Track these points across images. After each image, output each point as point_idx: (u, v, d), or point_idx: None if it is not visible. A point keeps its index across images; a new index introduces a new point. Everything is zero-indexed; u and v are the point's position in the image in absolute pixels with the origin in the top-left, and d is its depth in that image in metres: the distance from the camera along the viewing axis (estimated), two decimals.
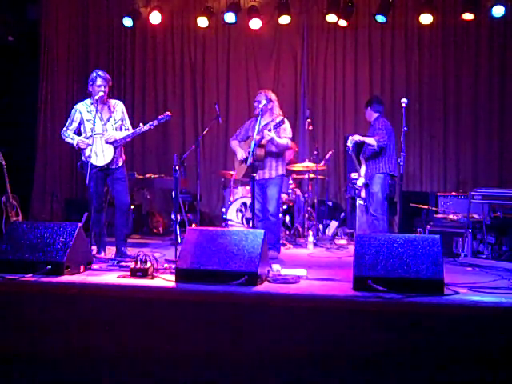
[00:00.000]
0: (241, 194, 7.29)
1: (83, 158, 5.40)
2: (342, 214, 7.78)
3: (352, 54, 8.65)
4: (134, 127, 5.63)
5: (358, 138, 5.82)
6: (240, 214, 7.11)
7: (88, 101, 5.45)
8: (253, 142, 5.15)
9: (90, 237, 5.06)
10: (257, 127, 5.30)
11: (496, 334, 3.20)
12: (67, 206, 8.25)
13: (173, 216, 7.39)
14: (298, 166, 7.36)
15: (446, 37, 8.34)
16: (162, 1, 8.61)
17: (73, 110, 5.50)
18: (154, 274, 3.95)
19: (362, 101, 8.44)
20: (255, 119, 5.63)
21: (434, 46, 8.40)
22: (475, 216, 5.45)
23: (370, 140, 5.78)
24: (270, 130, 5.38)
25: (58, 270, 3.86)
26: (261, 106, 5.52)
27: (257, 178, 5.57)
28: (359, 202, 6.77)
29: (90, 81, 5.40)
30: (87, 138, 5.36)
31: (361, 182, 6.08)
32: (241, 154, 5.71)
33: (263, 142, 5.46)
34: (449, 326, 3.25)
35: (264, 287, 3.69)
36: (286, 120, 5.70)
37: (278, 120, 5.56)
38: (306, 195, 7.33)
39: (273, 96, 5.70)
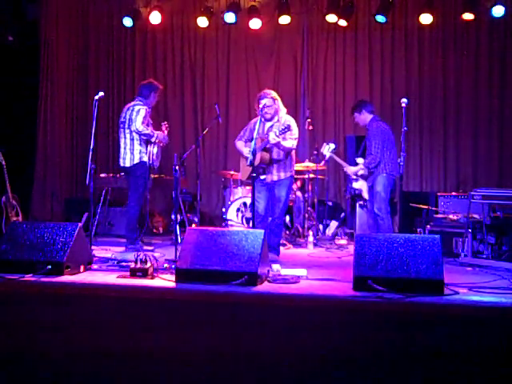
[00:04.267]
0: (241, 194, 7.29)
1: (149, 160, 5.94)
2: (342, 214, 7.78)
3: (352, 54, 8.65)
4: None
5: (356, 185, 5.98)
6: (240, 214, 7.12)
7: (143, 104, 5.96)
8: (253, 143, 5.13)
9: (89, 237, 5.07)
10: (257, 127, 5.27)
11: (496, 333, 3.20)
12: (67, 205, 8.25)
13: (173, 216, 7.40)
14: (298, 166, 7.36)
15: (446, 37, 8.33)
16: (162, 1, 8.60)
17: (145, 111, 5.90)
18: (154, 273, 3.95)
19: None
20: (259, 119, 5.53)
21: (434, 46, 8.39)
22: (475, 216, 5.45)
23: (359, 167, 5.96)
24: (275, 134, 5.31)
25: (58, 270, 3.86)
26: (263, 107, 5.42)
27: (267, 180, 5.55)
28: (360, 202, 6.78)
29: (156, 89, 6.07)
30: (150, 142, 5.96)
31: (358, 185, 6.08)
32: (247, 155, 5.63)
33: (268, 145, 5.43)
34: (449, 325, 3.25)
35: (264, 287, 3.70)
36: (292, 120, 5.61)
37: (282, 124, 5.42)
38: (306, 195, 7.33)
39: (275, 95, 5.58)
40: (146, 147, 5.92)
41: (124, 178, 7.37)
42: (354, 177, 6.12)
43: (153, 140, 5.91)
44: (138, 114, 5.85)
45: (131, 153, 5.91)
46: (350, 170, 6.17)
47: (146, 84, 6.10)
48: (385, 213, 5.79)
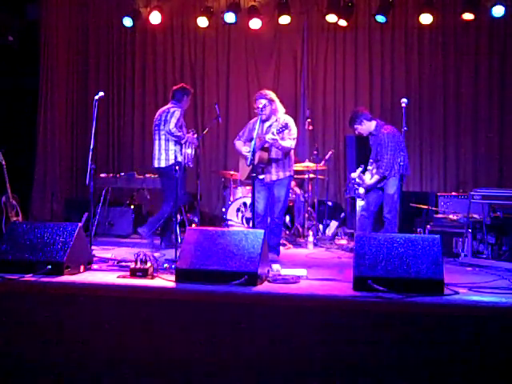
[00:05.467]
0: (241, 194, 7.29)
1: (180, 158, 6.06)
2: (342, 214, 7.77)
3: (352, 54, 8.64)
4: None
5: (362, 190, 5.86)
6: (240, 214, 7.11)
7: (177, 107, 6.12)
8: (253, 142, 5.14)
9: (89, 237, 5.07)
10: (257, 127, 5.27)
11: (496, 334, 3.20)
12: (67, 205, 8.25)
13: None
14: (298, 166, 7.36)
15: (446, 37, 8.33)
16: (162, 1, 8.60)
17: (179, 113, 6.07)
18: (154, 273, 3.95)
19: (362, 101, 8.47)
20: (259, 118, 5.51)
21: (434, 46, 8.39)
22: (475, 216, 5.44)
23: (376, 179, 5.76)
24: (272, 134, 5.32)
25: (58, 270, 3.86)
26: (262, 107, 5.39)
27: (266, 180, 5.54)
28: (360, 202, 6.76)
29: (188, 93, 6.29)
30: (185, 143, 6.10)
31: (362, 191, 5.95)
32: (245, 153, 5.65)
33: (266, 145, 5.43)
34: (449, 325, 3.25)
35: (264, 287, 3.70)
36: (290, 119, 5.58)
37: (280, 124, 5.43)
38: (306, 195, 7.33)
39: (273, 95, 5.57)
40: (181, 148, 6.07)
41: (125, 178, 7.40)
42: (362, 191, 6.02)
43: (182, 142, 6.05)
44: (172, 116, 6.02)
45: (166, 153, 6.05)
46: (367, 184, 5.89)
47: (179, 88, 6.28)
48: (394, 216, 5.69)
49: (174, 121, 5.99)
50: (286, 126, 5.39)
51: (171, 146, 6.05)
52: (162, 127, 6.08)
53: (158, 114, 6.26)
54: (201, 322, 3.47)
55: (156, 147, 6.14)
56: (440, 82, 8.39)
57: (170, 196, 6.01)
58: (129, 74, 9.11)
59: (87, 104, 8.68)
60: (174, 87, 6.38)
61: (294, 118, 6.08)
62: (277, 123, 5.53)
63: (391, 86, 8.54)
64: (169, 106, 6.20)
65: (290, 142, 5.48)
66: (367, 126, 5.89)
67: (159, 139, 6.11)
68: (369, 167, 5.93)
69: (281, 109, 5.65)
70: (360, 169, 6.00)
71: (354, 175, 6.06)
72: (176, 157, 6.05)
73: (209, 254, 3.78)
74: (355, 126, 5.96)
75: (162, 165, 6.08)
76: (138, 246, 6.27)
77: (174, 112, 6.05)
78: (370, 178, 5.84)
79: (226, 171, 7.88)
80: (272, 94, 5.60)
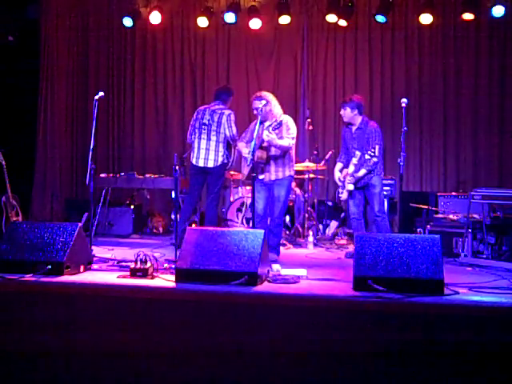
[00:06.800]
0: (241, 194, 7.29)
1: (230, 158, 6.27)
2: (342, 214, 7.76)
3: (352, 54, 8.64)
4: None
5: (351, 187, 5.75)
6: (240, 214, 7.12)
7: (228, 109, 6.21)
8: (253, 143, 5.15)
9: (89, 237, 5.07)
10: (256, 128, 5.28)
11: (496, 334, 3.20)
12: (67, 205, 8.25)
13: (173, 216, 7.40)
14: (298, 166, 7.35)
15: (445, 37, 8.33)
16: (162, 1, 8.60)
17: (234, 116, 6.14)
18: (154, 273, 3.95)
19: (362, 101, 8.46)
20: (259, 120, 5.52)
21: (434, 46, 8.39)
22: (475, 216, 5.45)
23: (363, 172, 5.66)
24: (268, 131, 5.33)
25: (58, 270, 3.86)
26: (260, 108, 5.40)
27: (265, 179, 5.54)
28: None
29: (233, 93, 6.38)
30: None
31: (352, 187, 5.82)
32: (246, 155, 5.66)
33: (264, 143, 5.43)
34: (449, 325, 3.25)
35: (264, 287, 3.70)
36: (289, 118, 5.58)
37: (277, 121, 5.46)
38: (306, 195, 7.33)
39: (269, 96, 5.56)
40: (230, 150, 6.16)
41: (125, 178, 7.38)
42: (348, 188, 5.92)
43: (234, 144, 6.13)
44: (230, 120, 6.05)
45: (216, 154, 6.05)
46: (356, 177, 5.73)
47: (225, 89, 6.35)
48: (384, 213, 5.76)
49: (233, 125, 6.06)
50: (280, 124, 5.42)
51: (221, 147, 6.05)
52: (214, 127, 6.04)
53: (202, 112, 6.17)
54: (201, 322, 3.47)
55: (202, 146, 6.08)
56: (440, 82, 8.39)
57: (215, 197, 6.14)
58: (129, 73, 9.11)
59: (87, 104, 8.68)
60: (218, 87, 6.40)
61: (294, 118, 6.09)
62: (275, 123, 5.53)
63: (391, 86, 8.53)
64: (216, 106, 6.15)
65: (288, 141, 5.47)
66: (355, 117, 5.81)
67: (208, 139, 6.06)
68: (354, 160, 5.77)
69: (279, 109, 5.65)
70: (341, 164, 5.98)
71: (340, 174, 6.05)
72: (223, 159, 6.08)
73: (209, 254, 3.78)
74: (346, 107, 5.84)
75: (210, 165, 6.06)
76: (138, 246, 6.28)
77: (229, 115, 6.06)
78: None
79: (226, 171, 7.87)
80: (269, 95, 5.59)
